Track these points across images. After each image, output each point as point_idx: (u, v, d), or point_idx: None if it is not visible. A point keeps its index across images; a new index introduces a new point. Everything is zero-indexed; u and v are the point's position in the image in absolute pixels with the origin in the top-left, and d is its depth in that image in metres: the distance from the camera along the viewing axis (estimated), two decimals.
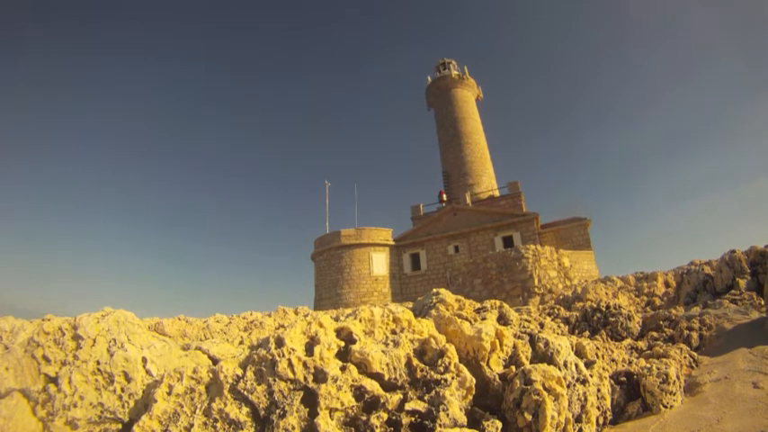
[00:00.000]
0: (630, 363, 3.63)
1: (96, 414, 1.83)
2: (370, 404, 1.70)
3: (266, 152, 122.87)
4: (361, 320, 2.11)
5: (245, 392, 1.67)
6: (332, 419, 1.61)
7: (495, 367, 2.08)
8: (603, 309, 5.82)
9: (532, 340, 2.36)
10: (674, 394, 2.69)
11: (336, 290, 23.93)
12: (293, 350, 1.76)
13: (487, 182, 30.51)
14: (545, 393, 1.84)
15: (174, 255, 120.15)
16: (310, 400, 1.66)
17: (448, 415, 1.65)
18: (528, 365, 2.05)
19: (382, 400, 1.69)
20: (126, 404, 1.88)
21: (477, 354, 2.09)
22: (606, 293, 11.00)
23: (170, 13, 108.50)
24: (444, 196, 29.83)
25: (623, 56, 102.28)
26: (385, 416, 1.64)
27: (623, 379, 2.89)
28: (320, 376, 1.72)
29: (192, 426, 1.61)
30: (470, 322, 2.38)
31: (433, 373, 1.83)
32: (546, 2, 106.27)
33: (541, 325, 5.39)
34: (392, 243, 25.54)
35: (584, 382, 2.23)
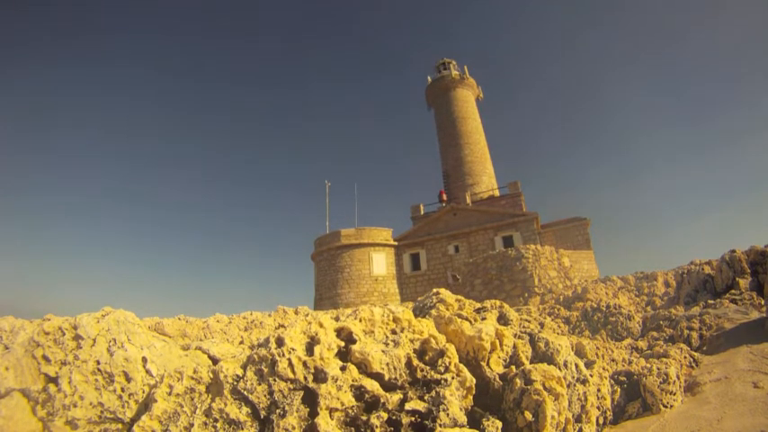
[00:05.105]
0: (631, 362, 3.63)
1: (96, 414, 1.83)
2: (371, 404, 1.70)
3: (266, 152, 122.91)
4: (361, 320, 2.10)
5: (246, 392, 1.67)
6: (332, 419, 1.61)
7: (495, 367, 2.08)
8: (604, 309, 5.82)
9: (532, 340, 2.36)
10: (675, 394, 2.69)
11: (336, 290, 23.92)
12: (293, 350, 1.76)
13: (487, 182, 30.50)
14: (545, 393, 1.84)
15: (174, 254, 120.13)
16: (310, 399, 1.66)
17: (448, 415, 1.65)
18: (528, 365, 2.05)
19: (382, 400, 1.69)
20: (126, 404, 1.88)
21: (477, 354, 2.09)
22: (606, 293, 11.00)
23: (180, 21, 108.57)
24: (444, 196, 29.83)
25: (623, 55, 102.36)
26: (385, 416, 1.64)
27: (623, 379, 2.89)
28: (320, 376, 1.72)
29: (192, 426, 1.61)
30: (470, 322, 2.38)
31: (433, 372, 1.83)
32: (546, 2, 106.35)
33: (541, 325, 5.39)
34: (392, 243, 25.53)
35: (584, 381, 2.23)
